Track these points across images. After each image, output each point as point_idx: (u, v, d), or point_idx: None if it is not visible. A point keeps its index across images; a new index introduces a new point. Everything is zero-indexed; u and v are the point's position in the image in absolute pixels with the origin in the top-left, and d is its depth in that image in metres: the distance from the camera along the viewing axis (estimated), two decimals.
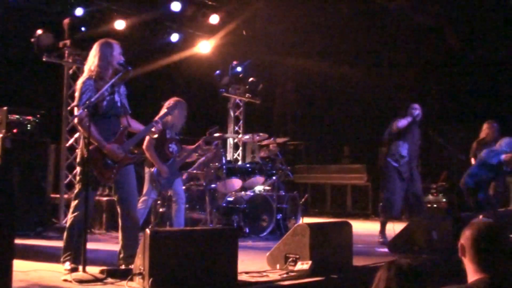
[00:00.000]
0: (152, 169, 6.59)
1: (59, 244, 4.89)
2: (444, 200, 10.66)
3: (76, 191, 4.83)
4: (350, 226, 5.46)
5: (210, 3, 10.57)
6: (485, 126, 8.36)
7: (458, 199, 9.95)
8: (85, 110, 4.50)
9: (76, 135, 8.03)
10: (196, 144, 7.17)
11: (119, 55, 4.91)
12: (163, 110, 6.17)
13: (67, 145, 8.10)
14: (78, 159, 4.91)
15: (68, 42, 7.91)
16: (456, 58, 12.05)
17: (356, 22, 11.56)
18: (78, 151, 5.00)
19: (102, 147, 4.70)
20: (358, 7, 10.97)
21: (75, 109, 4.79)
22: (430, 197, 10.81)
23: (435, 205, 10.70)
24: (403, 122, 7.31)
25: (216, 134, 7.52)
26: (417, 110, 7.43)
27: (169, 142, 6.69)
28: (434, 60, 12.32)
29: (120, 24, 9.61)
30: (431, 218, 7.98)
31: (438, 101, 12.50)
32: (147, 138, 6.47)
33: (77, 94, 4.79)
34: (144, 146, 6.60)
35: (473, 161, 8.17)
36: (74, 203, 4.78)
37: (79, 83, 4.83)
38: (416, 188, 7.48)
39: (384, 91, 12.85)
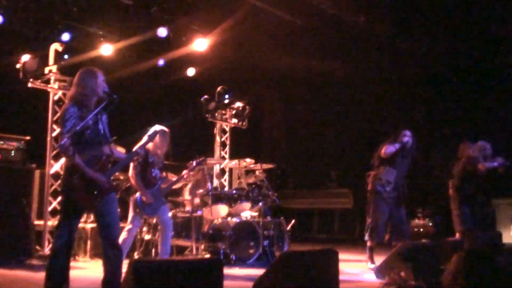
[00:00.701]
0: (136, 196, 6.56)
1: (42, 273, 4.81)
2: (430, 224, 10.68)
3: (59, 219, 4.78)
4: (336, 253, 5.42)
5: (196, 28, 10.64)
6: (461, 147, 8.30)
7: (444, 223, 10.01)
8: (69, 138, 4.48)
9: (61, 161, 7.97)
10: (181, 175, 7.14)
11: (103, 83, 4.91)
12: (144, 138, 6.17)
13: (52, 171, 8.01)
14: (61, 187, 4.87)
15: (54, 68, 7.88)
16: (441, 83, 12.19)
17: (344, 49, 11.67)
18: (61, 179, 4.95)
19: (86, 175, 4.66)
20: (342, 34, 11.08)
21: (59, 137, 4.77)
22: (417, 221, 10.83)
23: (421, 230, 10.71)
24: (391, 149, 7.29)
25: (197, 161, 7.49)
26: (406, 137, 7.37)
27: (151, 167, 6.67)
28: (419, 86, 12.44)
29: (107, 49, 9.64)
30: (417, 243, 7.96)
31: (424, 124, 12.59)
32: (132, 165, 6.48)
33: (60, 121, 4.77)
34: (129, 174, 6.59)
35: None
36: (57, 232, 4.72)
37: (63, 110, 4.81)
38: (400, 213, 7.47)
39: (370, 116, 12.93)
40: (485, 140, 8.02)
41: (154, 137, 6.11)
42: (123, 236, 6.42)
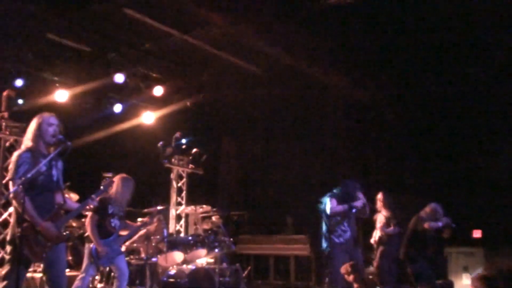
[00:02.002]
0: (91, 245, 6.43)
1: None
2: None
3: (5, 271, 4.63)
4: None
5: (154, 75, 10.70)
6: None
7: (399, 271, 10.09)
8: (21, 185, 4.40)
9: (11, 209, 7.76)
10: (142, 223, 7.06)
11: (52, 128, 4.87)
12: (101, 188, 6.13)
13: (1, 219, 7.79)
14: (8, 237, 4.74)
15: (5, 114, 7.77)
16: (392, 131, 12.52)
17: (296, 96, 11.91)
18: (9, 229, 4.83)
19: (36, 225, 4.58)
20: (298, 82, 11.34)
21: (10, 183, 4.67)
22: (371, 268, 10.87)
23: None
24: (339, 208, 7.48)
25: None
26: (360, 202, 7.55)
27: (110, 217, 6.57)
28: (373, 133, 12.75)
29: (61, 95, 9.55)
30: None
31: (378, 171, 12.84)
32: (90, 214, 6.38)
33: (12, 167, 4.70)
34: (86, 223, 6.47)
35: None
36: (2, 284, 4.56)
37: (16, 155, 4.75)
38: (357, 259, 7.55)
39: (327, 163, 13.12)
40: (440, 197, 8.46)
41: (109, 186, 6.06)
42: (75, 284, 6.27)
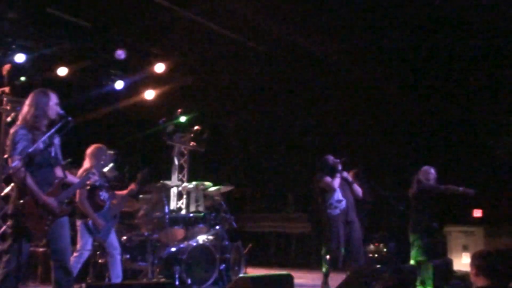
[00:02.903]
0: (88, 220, 6.45)
1: None
2: (385, 250, 10.80)
3: (7, 244, 4.65)
4: (292, 278, 5.46)
5: (155, 51, 10.65)
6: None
7: (398, 249, 10.16)
8: (20, 160, 4.40)
9: (13, 184, 7.77)
10: (129, 189, 7.05)
11: (55, 106, 4.85)
12: (91, 159, 6.15)
13: (3, 194, 7.80)
14: (10, 211, 4.75)
15: (7, 89, 7.74)
16: (394, 108, 12.48)
17: (297, 73, 11.85)
18: (11, 203, 4.83)
19: (38, 199, 4.59)
20: (302, 60, 11.27)
21: (9, 160, 4.66)
22: (371, 246, 10.94)
23: (376, 255, 10.82)
24: (337, 181, 7.51)
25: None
26: (340, 164, 7.64)
27: (99, 190, 6.58)
28: (374, 109, 12.71)
29: (62, 71, 9.53)
30: (371, 268, 8.06)
31: (379, 150, 12.83)
32: (79, 190, 6.28)
33: (10, 143, 4.68)
34: (77, 199, 6.43)
35: None
36: (5, 258, 4.59)
37: (12, 132, 4.73)
38: (356, 237, 7.57)
39: (326, 138, 13.11)
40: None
41: (101, 155, 6.07)
42: (72, 262, 6.29)
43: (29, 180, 4.54)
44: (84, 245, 6.46)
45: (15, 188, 4.72)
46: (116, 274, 6.63)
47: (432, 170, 8.28)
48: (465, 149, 11.65)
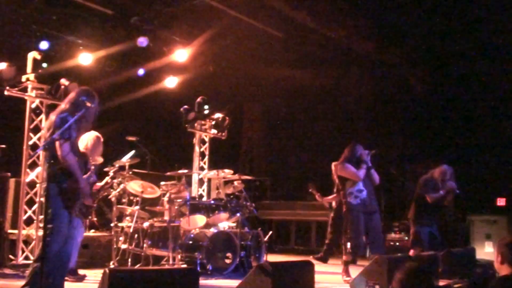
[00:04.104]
0: None
1: (16, 282, 4.75)
2: (406, 238, 10.75)
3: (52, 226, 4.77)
4: (312, 265, 5.46)
5: (177, 39, 10.66)
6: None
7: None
8: (69, 145, 4.77)
9: (37, 170, 7.89)
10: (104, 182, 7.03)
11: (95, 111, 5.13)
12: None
13: (27, 180, 7.92)
14: (50, 193, 4.78)
15: (31, 76, 7.81)
16: (418, 98, 12.36)
17: (322, 59, 11.78)
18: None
19: (80, 183, 4.91)
20: (326, 48, 11.19)
21: (57, 143, 4.76)
22: (393, 235, 10.90)
23: (397, 243, 10.78)
24: (363, 173, 7.40)
25: None
26: (368, 156, 7.54)
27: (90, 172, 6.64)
28: (397, 98, 12.61)
29: (85, 58, 9.60)
30: (393, 256, 8.03)
31: (400, 139, 12.74)
32: None
33: (55, 128, 4.80)
34: None
35: None
36: (51, 238, 4.72)
37: (61, 118, 4.85)
38: (376, 225, 7.51)
39: (349, 129, 13.05)
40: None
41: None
42: None
43: (76, 165, 4.88)
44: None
45: (52, 172, 4.75)
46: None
47: (450, 171, 8.18)
48: (489, 138, 11.52)
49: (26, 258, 7.71)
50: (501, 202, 10.91)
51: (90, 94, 5.10)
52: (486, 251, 9.87)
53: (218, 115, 10.58)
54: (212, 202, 8.56)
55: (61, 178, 4.84)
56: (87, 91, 5.14)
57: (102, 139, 6.87)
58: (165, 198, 8.13)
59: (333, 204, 9.52)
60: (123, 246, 7.72)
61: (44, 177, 7.65)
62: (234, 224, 8.60)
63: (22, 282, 4.84)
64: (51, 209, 4.76)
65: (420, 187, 8.22)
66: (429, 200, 8.03)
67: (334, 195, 9.17)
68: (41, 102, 8.00)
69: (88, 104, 4.94)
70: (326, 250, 9.61)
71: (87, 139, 6.68)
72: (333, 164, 8.82)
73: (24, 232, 7.79)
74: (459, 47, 10.71)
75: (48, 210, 4.72)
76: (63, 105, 5.05)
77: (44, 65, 7.86)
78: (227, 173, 8.95)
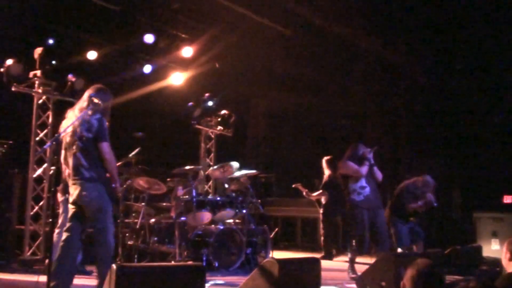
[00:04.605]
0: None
1: (23, 277, 4.77)
2: None
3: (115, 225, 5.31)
4: (318, 262, 5.46)
5: (183, 35, 10.67)
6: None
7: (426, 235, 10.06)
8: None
9: (44, 166, 7.92)
10: None
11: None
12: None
13: (35, 175, 7.95)
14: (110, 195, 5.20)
15: (38, 72, 7.83)
16: (423, 93, 12.33)
17: (329, 58, 11.75)
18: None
19: (115, 182, 5.26)
20: (331, 44, 11.17)
21: (104, 144, 5.13)
22: None
23: None
24: (365, 169, 7.41)
25: None
26: (371, 153, 7.55)
27: None
28: (403, 95, 12.57)
29: (92, 55, 9.63)
30: (400, 253, 8.02)
31: (408, 135, 12.71)
32: None
33: (100, 129, 5.15)
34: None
35: None
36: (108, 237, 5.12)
37: (99, 119, 5.18)
38: (381, 221, 7.50)
39: (354, 124, 13.03)
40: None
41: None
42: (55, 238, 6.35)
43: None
44: (65, 220, 6.42)
45: (103, 175, 5.17)
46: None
47: (432, 184, 8.12)
48: (496, 135, 11.48)
49: (33, 253, 7.75)
50: (507, 199, 10.86)
51: (108, 91, 5.43)
52: (493, 249, 9.84)
53: (224, 112, 10.59)
54: (218, 198, 8.57)
55: (107, 179, 5.14)
56: (104, 89, 5.42)
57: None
58: (172, 195, 8.15)
59: (322, 200, 9.82)
60: (130, 242, 7.75)
61: (46, 174, 7.73)
62: (240, 221, 8.62)
63: (29, 277, 4.88)
64: (102, 209, 5.09)
65: (402, 193, 8.16)
66: (407, 209, 8.02)
67: (320, 191, 9.66)
68: (48, 99, 8.03)
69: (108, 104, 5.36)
70: (324, 246, 9.70)
71: None
72: (324, 160, 9.46)
73: (31, 227, 7.82)
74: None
75: (101, 209, 5.09)
76: (84, 104, 5.26)
77: (51, 61, 7.88)
78: (233, 166, 8.94)
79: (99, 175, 5.06)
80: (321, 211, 9.92)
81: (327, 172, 9.90)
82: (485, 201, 10.94)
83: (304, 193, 9.78)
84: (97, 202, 5.01)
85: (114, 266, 4.00)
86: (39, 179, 8.01)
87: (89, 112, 5.14)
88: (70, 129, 5.10)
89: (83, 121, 5.10)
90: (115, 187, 5.22)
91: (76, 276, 5.73)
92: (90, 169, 5.02)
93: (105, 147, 5.08)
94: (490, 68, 11.18)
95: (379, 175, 7.60)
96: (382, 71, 12.26)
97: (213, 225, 8.04)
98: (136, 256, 7.67)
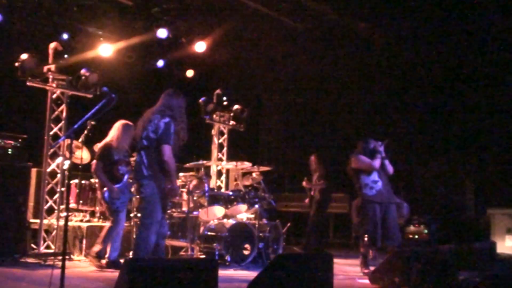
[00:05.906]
0: (104, 191, 6.72)
1: (38, 271, 4.80)
2: (425, 231, 10.67)
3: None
4: (331, 257, 5.44)
5: (196, 30, 10.66)
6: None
7: (440, 230, 10.01)
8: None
9: (58, 160, 7.98)
10: None
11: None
12: (116, 133, 6.91)
13: (49, 170, 8.01)
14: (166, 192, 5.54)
15: (52, 67, 7.87)
16: (436, 90, 12.24)
17: (342, 53, 11.70)
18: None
19: (175, 183, 5.63)
20: (345, 40, 11.11)
21: (166, 147, 5.46)
22: (412, 228, 10.82)
23: (416, 236, 10.70)
24: (378, 162, 7.38)
25: None
26: (382, 146, 7.52)
27: (118, 164, 6.88)
28: (416, 91, 12.49)
29: (105, 49, 9.65)
30: (412, 249, 7.97)
31: (421, 130, 12.63)
32: (95, 161, 6.85)
33: (165, 132, 5.49)
34: (92, 170, 6.90)
35: None
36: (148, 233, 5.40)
37: (168, 123, 5.53)
38: (392, 217, 7.46)
39: (368, 120, 12.96)
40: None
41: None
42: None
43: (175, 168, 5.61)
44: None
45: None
46: (116, 247, 6.92)
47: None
48: (508, 129, 11.36)
49: (48, 247, 7.82)
50: None
51: (180, 94, 5.82)
52: (507, 245, 9.76)
53: (236, 107, 10.58)
54: (231, 193, 8.59)
55: (161, 179, 5.39)
56: (177, 93, 5.82)
57: (131, 126, 6.94)
58: (184, 189, 8.16)
59: (313, 192, 10.08)
60: None
61: (60, 168, 7.81)
62: (253, 216, 8.63)
63: (44, 271, 4.91)
64: (148, 206, 5.40)
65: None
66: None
67: (322, 181, 9.96)
68: (62, 93, 8.07)
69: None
70: (309, 237, 9.79)
71: (116, 128, 6.96)
72: (312, 156, 10.06)
73: (45, 221, 7.89)
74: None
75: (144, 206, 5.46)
76: (160, 108, 5.68)
77: (65, 56, 7.92)
78: (245, 164, 8.95)
79: (155, 174, 5.40)
80: (307, 200, 10.32)
81: (317, 168, 10.13)
82: (500, 197, 10.84)
83: (304, 182, 10.03)
84: (149, 199, 5.39)
85: (127, 260, 4.03)
86: (53, 173, 8.06)
87: (159, 115, 5.54)
88: (140, 129, 5.60)
89: (151, 123, 5.52)
90: (171, 187, 5.47)
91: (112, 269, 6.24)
92: (148, 167, 5.41)
93: (166, 149, 5.41)
94: (499, 57, 11.05)
95: (390, 168, 7.56)
96: (395, 67, 12.17)
97: (225, 220, 8.06)
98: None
